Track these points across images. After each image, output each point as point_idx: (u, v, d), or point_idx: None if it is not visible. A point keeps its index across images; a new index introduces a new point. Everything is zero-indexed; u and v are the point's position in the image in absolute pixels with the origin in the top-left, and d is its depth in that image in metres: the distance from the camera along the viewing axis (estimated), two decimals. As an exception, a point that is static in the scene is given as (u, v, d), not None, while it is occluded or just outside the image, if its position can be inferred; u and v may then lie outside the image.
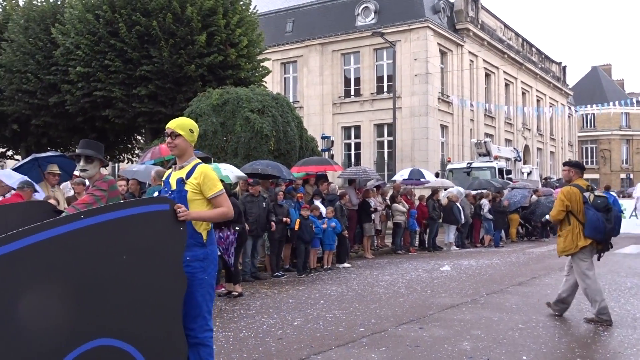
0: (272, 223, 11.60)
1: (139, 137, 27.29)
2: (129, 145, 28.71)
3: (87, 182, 10.88)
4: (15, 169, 10.24)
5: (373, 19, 34.02)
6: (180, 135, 4.47)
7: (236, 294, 9.71)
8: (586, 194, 7.52)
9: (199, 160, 4.57)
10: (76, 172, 11.47)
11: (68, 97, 21.30)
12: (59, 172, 10.50)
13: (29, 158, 10.87)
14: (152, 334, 3.87)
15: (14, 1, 24.75)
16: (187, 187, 4.36)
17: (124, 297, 3.71)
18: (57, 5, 23.38)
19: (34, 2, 23.61)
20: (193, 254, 4.33)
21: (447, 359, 5.96)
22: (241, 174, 12.51)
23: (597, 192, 7.66)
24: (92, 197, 4.58)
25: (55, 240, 3.36)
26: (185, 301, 4.30)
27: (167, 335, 4.00)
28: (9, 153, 31.26)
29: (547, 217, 10.67)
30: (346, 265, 13.63)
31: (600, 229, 7.36)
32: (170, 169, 4.73)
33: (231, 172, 12.35)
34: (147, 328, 3.85)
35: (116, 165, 32.56)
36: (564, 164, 8.20)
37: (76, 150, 4.84)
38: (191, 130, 4.53)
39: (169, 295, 4.03)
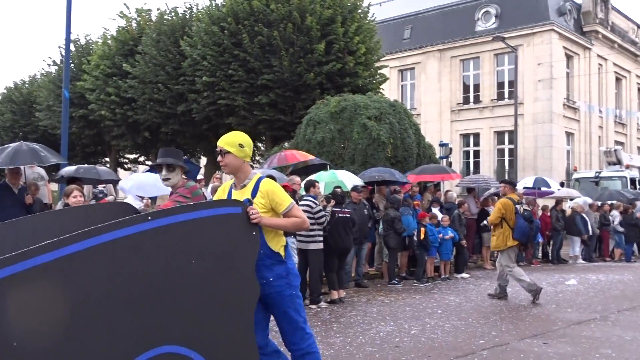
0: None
1: (260, 144, 28.16)
2: (250, 152, 29.67)
3: (205, 190, 11.37)
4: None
5: (494, 23, 33.05)
6: (229, 152, 4.24)
7: (334, 298, 9.77)
8: (517, 206, 9.98)
9: (260, 175, 4.35)
10: (199, 177, 12.04)
11: (194, 106, 22.38)
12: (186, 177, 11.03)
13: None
14: (220, 341, 3.66)
15: (147, 16, 26.38)
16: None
17: (192, 303, 3.52)
18: (186, 18, 24.67)
19: (165, 16, 25.07)
20: (275, 274, 4.20)
21: (575, 377, 5.65)
22: (358, 180, 12.56)
23: (524, 207, 10.22)
24: (174, 203, 4.38)
25: (121, 241, 3.22)
26: (280, 319, 4.26)
27: (237, 343, 3.78)
28: (141, 159, 33.38)
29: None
30: (464, 275, 13.31)
31: (526, 234, 9.93)
32: (229, 182, 4.48)
33: (348, 178, 12.43)
34: (215, 336, 3.63)
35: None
36: (501, 182, 11.50)
37: (157, 159, 4.73)
38: (241, 145, 4.26)
39: (240, 302, 3.81)
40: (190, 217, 3.56)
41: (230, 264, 3.78)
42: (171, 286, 3.45)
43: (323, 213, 9.53)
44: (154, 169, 10.80)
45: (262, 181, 4.26)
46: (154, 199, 10.26)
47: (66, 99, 14.95)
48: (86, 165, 10.14)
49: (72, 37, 26.51)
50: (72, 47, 26.48)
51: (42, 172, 10.12)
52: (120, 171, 34.91)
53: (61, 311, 3.03)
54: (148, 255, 3.36)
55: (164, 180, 4.69)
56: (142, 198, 8.38)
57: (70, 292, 3.06)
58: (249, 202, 4.12)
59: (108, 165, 31.28)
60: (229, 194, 4.37)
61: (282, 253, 4.29)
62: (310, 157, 14.69)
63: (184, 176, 10.71)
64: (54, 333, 3.02)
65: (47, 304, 3.01)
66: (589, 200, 18.41)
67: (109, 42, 26.81)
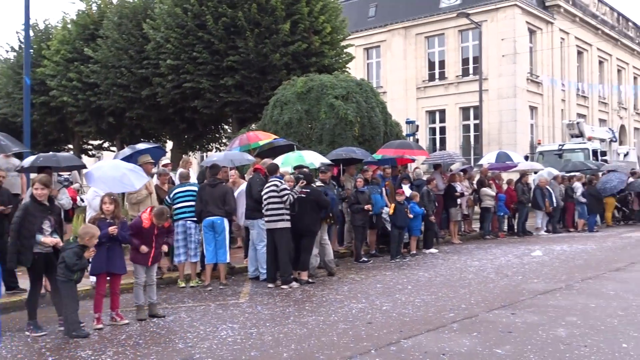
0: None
1: (227, 127, 27.97)
2: (217, 135, 29.50)
3: (173, 175, 11.26)
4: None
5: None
6: None
7: (304, 280, 9.80)
8: None
9: None
10: (166, 161, 11.91)
11: (159, 90, 22.08)
12: (153, 161, 10.94)
13: (128, 150, 11.31)
14: None
15: (107, -1, 25.86)
16: None
17: None
18: (148, 1, 24.22)
19: (126, -1, 24.58)
20: None
21: (542, 345, 5.83)
22: (326, 160, 12.59)
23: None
24: None
25: None
26: None
27: None
28: (106, 145, 32.88)
29: None
30: (433, 250, 13.51)
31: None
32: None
33: (315, 158, 12.42)
34: None
35: (205, 154, 33.53)
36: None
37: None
38: None
39: None
40: None
41: None
42: None
43: (287, 192, 9.55)
44: (131, 156, 10.68)
45: None
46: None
47: (27, 86, 14.61)
48: (46, 153, 9.94)
49: (31, 22, 25.84)
50: (30, 33, 25.83)
51: (17, 162, 9.91)
52: (85, 158, 34.35)
53: None
54: None
55: None
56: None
57: None
58: None
59: (72, 152, 30.74)
60: None
61: None
62: (273, 136, 14.70)
63: (150, 160, 10.59)
64: None
65: None
66: (554, 172, 18.75)
67: (69, 26, 26.22)
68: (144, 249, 7.47)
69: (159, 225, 7.58)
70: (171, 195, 9.90)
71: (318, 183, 11.13)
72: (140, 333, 6.81)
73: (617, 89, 39.43)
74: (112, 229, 7.08)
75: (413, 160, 16.96)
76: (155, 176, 10.95)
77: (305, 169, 10.84)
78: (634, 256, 12.10)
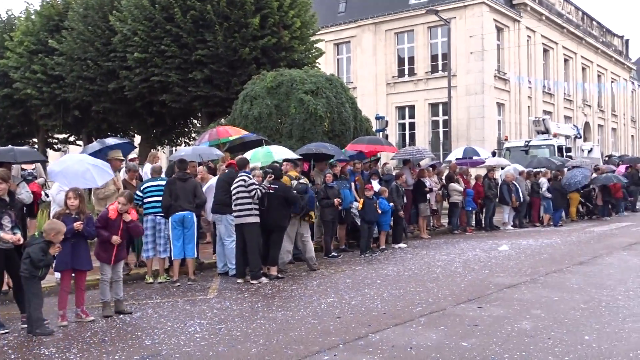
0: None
1: (195, 121, 27.75)
2: (186, 129, 29.24)
3: (140, 169, 11.11)
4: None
5: (427, -4, 33.44)
6: None
7: (274, 275, 9.78)
8: (294, 182, 10.70)
9: None
10: (130, 157, 11.77)
11: (126, 83, 21.79)
12: (122, 157, 10.80)
13: (97, 145, 11.13)
14: None
15: (73, -10, 25.38)
16: None
17: None
18: (115, -8, 23.86)
19: (92, -10, 24.15)
20: None
21: (507, 338, 5.91)
22: (295, 156, 12.57)
23: (301, 181, 10.87)
24: None
25: None
26: None
27: None
28: (72, 139, 32.33)
29: None
30: (402, 245, 13.59)
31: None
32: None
33: (284, 154, 12.39)
34: None
35: (174, 149, 33.21)
36: (284, 161, 11.51)
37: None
38: None
39: None
40: None
41: None
42: None
43: (255, 187, 9.51)
44: (100, 151, 10.51)
45: None
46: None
47: (-11, 78, 14.29)
48: (3, 147, 9.73)
49: (-7, 12, 25.25)
50: (-8, 23, 25.27)
51: None
52: (50, 152, 33.73)
53: None
54: None
55: None
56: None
57: None
58: None
59: (36, 147, 30.16)
60: None
61: None
62: (243, 131, 14.62)
63: (120, 156, 10.46)
64: None
65: None
66: (520, 168, 19.02)
67: (33, 17, 25.72)
68: (115, 239, 7.37)
69: (123, 211, 7.48)
70: (142, 189, 9.78)
71: (302, 180, 11.08)
72: (106, 330, 6.72)
73: (581, 86, 40.13)
74: (78, 225, 6.96)
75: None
76: (123, 171, 10.82)
77: (276, 164, 10.81)
78: (597, 250, 12.35)
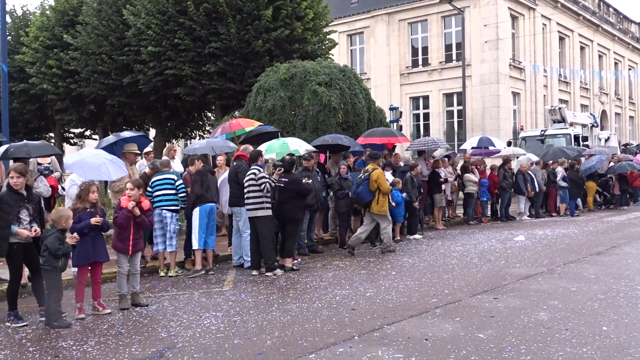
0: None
1: (210, 114, 27.80)
2: (200, 122, 29.32)
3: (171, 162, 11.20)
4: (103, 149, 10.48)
5: (440, -15, 33.16)
6: None
7: (289, 267, 9.77)
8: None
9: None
10: (146, 150, 11.83)
11: (141, 77, 21.87)
12: (138, 151, 10.85)
13: (112, 137, 11.18)
14: None
15: (86, -15, 25.48)
16: None
17: None
18: (128, -14, 23.91)
19: (106, -15, 24.22)
20: None
21: (524, 329, 5.87)
22: (310, 147, 12.57)
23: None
24: None
25: None
26: None
27: None
28: (87, 133, 32.57)
29: None
30: (417, 236, 13.55)
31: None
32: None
33: (300, 146, 12.41)
34: None
35: (188, 142, 33.34)
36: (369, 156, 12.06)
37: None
38: None
39: None
40: None
41: None
42: None
43: (264, 180, 9.52)
44: (115, 143, 10.55)
45: None
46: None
47: (4, 73, 14.42)
48: (17, 143, 9.84)
49: (7, 7, 25.44)
50: (7, 19, 25.43)
51: None
52: (67, 146, 34.01)
53: None
54: None
55: None
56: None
57: None
58: None
59: (53, 141, 30.41)
60: None
61: None
62: (257, 123, 14.62)
63: (136, 149, 10.55)
64: None
65: None
66: (534, 158, 18.88)
67: (48, 12, 25.85)
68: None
69: (133, 197, 7.54)
70: (151, 183, 9.83)
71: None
72: (123, 322, 6.77)
73: (598, 74, 39.68)
74: (97, 220, 7.01)
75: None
76: (138, 164, 10.88)
77: (288, 156, 10.81)
78: (615, 240, 12.23)
